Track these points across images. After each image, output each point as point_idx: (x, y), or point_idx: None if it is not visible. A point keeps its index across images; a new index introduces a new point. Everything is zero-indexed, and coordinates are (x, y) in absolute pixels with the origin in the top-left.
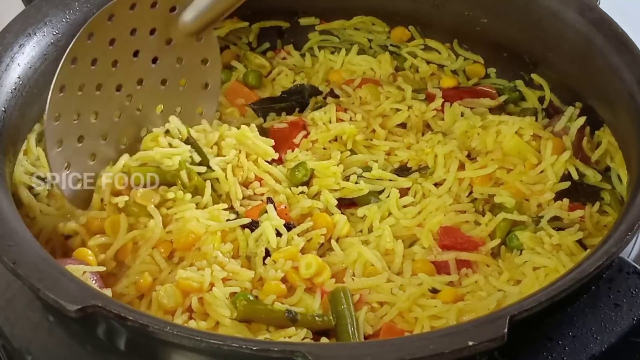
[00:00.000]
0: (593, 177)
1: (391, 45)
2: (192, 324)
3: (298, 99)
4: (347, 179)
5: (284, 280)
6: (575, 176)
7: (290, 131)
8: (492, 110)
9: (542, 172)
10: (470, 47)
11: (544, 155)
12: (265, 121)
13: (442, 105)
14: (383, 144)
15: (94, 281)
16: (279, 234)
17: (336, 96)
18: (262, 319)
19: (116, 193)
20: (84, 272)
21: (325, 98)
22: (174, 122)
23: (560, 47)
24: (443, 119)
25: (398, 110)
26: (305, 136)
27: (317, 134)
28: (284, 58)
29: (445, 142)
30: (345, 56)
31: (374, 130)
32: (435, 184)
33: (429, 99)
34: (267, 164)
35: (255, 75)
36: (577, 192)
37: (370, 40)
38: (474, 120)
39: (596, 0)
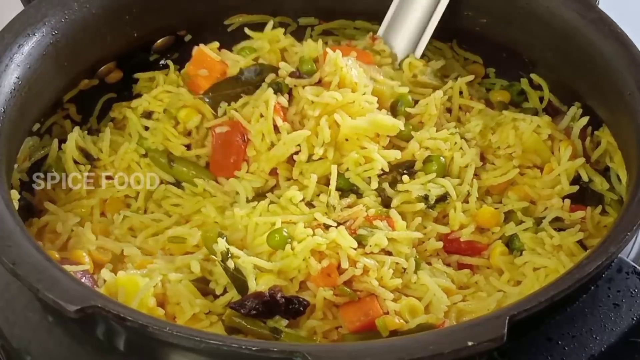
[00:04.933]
0: (600, 184)
1: None
2: None
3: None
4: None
5: None
6: (585, 178)
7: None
8: (497, 108)
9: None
10: (469, 47)
11: (561, 160)
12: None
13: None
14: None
15: (85, 280)
16: None
17: None
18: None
19: None
20: (75, 271)
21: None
22: None
23: (560, 47)
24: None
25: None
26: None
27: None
28: None
29: (464, 153)
30: None
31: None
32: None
33: None
34: None
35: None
36: (583, 197)
37: None
38: (487, 120)
39: (596, 0)
